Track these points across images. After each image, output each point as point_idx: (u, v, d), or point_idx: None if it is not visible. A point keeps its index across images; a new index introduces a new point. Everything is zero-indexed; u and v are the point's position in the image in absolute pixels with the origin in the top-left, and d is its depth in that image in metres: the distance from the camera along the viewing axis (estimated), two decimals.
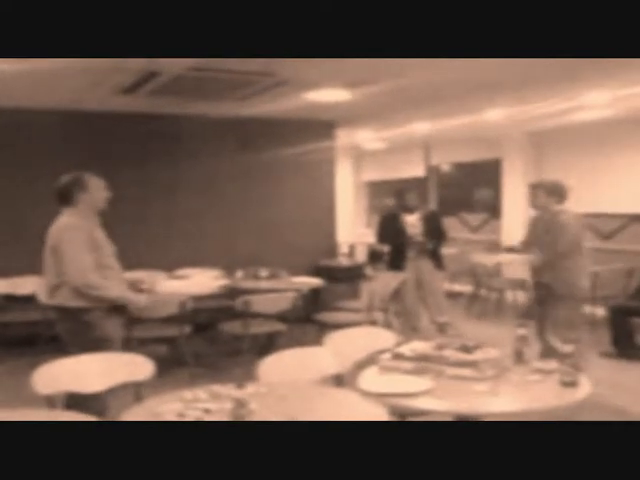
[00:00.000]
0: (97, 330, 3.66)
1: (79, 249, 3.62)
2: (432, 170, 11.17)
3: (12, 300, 6.35)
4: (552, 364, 2.89)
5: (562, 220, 4.78)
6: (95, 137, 6.94)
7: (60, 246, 3.63)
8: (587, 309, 7.43)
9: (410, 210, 6.77)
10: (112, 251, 3.85)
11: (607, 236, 8.59)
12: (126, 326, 4.26)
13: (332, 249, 8.38)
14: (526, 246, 5.17)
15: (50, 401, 2.85)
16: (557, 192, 4.84)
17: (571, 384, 2.72)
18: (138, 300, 3.89)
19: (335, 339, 3.48)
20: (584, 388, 2.73)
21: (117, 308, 3.79)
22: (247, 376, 2.89)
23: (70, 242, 3.62)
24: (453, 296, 9.00)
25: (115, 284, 3.76)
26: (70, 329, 3.70)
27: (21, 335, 6.28)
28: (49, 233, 3.75)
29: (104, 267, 3.72)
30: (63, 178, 3.83)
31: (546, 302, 4.88)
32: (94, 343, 3.50)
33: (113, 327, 3.77)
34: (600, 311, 7.09)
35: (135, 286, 4.46)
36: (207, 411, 2.40)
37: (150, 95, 5.95)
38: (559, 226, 4.77)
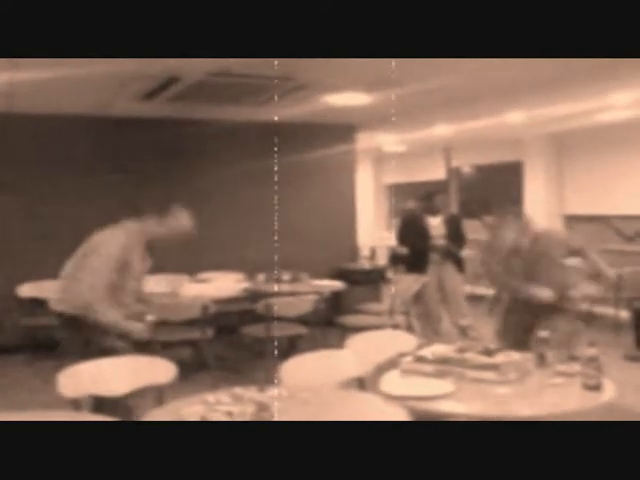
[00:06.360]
0: (104, 339, 3.56)
1: (101, 267, 3.53)
2: (453, 172, 11.13)
3: (38, 304, 6.42)
4: (575, 367, 2.86)
5: (558, 233, 4.43)
6: (117, 143, 7.01)
7: (90, 255, 3.56)
8: (611, 311, 7.38)
9: (435, 213, 6.75)
10: (143, 270, 3.77)
11: (631, 238, 8.50)
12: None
13: (353, 252, 8.38)
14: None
15: (75, 404, 2.88)
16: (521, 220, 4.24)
17: (594, 387, 2.69)
18: (133, 330, 3.67)
19: (357, 342, 3.48)
20: (608, 391, 2.70)
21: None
22: (269, 379, 2.90)
23: (99, 257, 3.55)
24: (475, 299, 8.94)
25: (118, 309, 3.62)
26: (77, 338, 3.61)
27: (47, 338, 6.34)
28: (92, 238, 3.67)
29: (120, 289, 3.63)
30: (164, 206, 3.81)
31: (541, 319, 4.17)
32: (101, 353, 3.35)
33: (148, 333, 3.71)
34: (624, 313, 7.01)
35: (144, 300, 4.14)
36: (229, 414, 2.41)
37: (171, 101, 6.01)
38: (563, 239, 4.33)
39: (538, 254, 4.16)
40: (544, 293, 4.05)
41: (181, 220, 3.84)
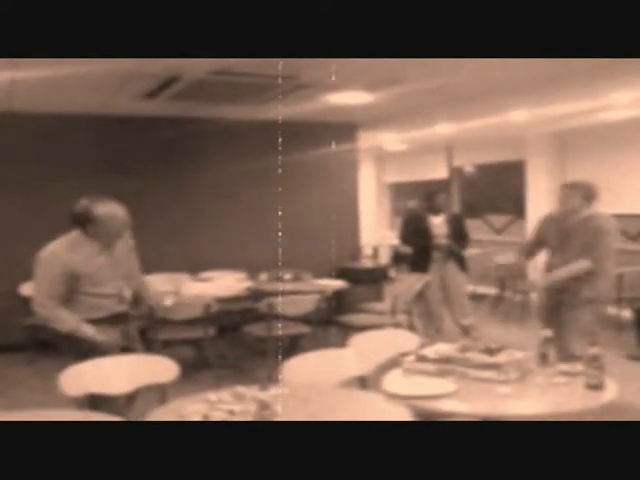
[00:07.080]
0: (85, 341, 3.47)
1: (43, 280, 3.50)
2: (455, 172, 11.12)
3: None
4: (578, 367, 2.86)
5: (602, 224, 4.36)
6: (119, 142, 7.02)
7: (35, 270, 3.53)
8: (613, 311, 7.37)
9: (437, 212, 6.74)
10: (110, 275, 3.61)
11: (633, 237, 8.49)
12: (147, 330, 4.17)
13: (355, 251, 8.38)
14: (534, 248, 4.80)
15: (77, 402, 2.89)
16: (592, 195, 4.41)
17: (597, 387, 2.69)
18: (91, 335, 3.47)
19: (359, 341, 3.48)
20: (610, 391, 2.70)
21: (114, 317, 3.60)
22: (271, 378, 2.91)
23: (36, 275, 3.51)
24: (477, 298, 8.95)
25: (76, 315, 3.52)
26: (60, 340, 3.57)
27: (49, 337, 6.35)
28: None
29: (81, 294, 3.54)
30: (78, 205, 3.55)
31: (566, 306, 4.47)
32: (85, 354, 3.30)
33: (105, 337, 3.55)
34: (626, 313, 7.01)
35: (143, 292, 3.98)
36: (231, 412, 2.42)
37: (172, 99, 6.01)
38: (599, 230, 4.32)
39: (576, 231, 4.36)
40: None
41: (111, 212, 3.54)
